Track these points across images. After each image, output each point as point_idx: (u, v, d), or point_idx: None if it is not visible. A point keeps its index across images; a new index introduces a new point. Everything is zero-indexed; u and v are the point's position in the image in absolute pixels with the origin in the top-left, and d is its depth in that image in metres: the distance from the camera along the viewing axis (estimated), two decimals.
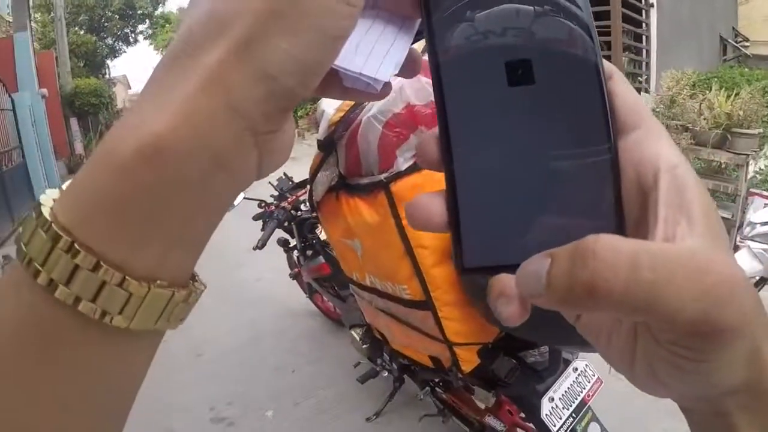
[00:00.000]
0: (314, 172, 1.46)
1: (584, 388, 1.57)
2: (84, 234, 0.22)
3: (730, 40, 10.09)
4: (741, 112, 6.48)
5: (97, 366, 0.24)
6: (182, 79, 0.22)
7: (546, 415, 1.47)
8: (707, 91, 7.35)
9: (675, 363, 0.20)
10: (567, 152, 0.24)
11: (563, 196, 0.23)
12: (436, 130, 0.25)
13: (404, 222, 1.23)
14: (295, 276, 3.10)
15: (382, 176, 1.24)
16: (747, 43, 10.18)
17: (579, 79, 0.24)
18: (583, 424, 1.55)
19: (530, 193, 0.24)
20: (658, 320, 0.19)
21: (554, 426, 1.47)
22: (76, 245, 0.21)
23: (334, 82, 0.29)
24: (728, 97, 6.92)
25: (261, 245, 2.35)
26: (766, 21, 9.75)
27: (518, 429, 1.86)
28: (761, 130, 6.59)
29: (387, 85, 0.29)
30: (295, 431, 2.40)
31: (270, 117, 0.24)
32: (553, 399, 1.49)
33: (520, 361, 1.43)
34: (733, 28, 10.39)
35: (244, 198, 2.51)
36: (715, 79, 7.57)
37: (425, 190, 0.83)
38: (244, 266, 4.29)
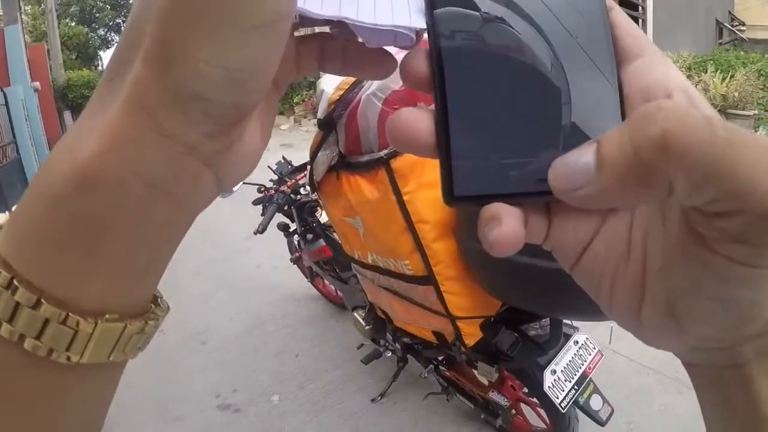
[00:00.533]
0: (314, 152, 1.47)
1: (585, 361, 1.59)
2: (24, 268, 0.20)
3: (726, 24, 10.10)
4: (736, 94, 6.51)
5: (52, 400, 0.22)
6: (112, 98, 0.20)
7: (548, 387, 1.49)
8: (703, 74, 7.38)
9: (725, 273, 0.18)
10: (568, 78, 0.22)
11: (563, 123, 0.22)
12: (425, 47, 0.23)
13: (405, 198, 1.25)
14: (296, 260, 3.11)
15: (382, 153, 1.25)
16: (743, 27, 10.19)
17: (580, 5, 0.23)
18: (585, 395, 1.56)
19: (529, 119, 0.22)
20: (732, 194, 0.16)
21: (557, 398, 1.49)
22: (15, 281, 0.20)
23: (334, 56, 0.26)
24: (723, 79, 6.95)
25: (261, 229, 2.36)
26: (763, 5, 9.75)
27: (521, 404, 1.89)
28: (756, 112, 6.62)
29: (419, 35, 0.25)
30: (302, 415, 2.42)
31: (213, 136, 0.21)
32: (555, 372, 1.51)
33: (522, 334, 1.44)
34: (730, 12, 10.40)
35: (243, 183, 2.52)
36: (711, 62, 7.59)
37: (426, 167, 1.04)
38: (243, 253, 4.30)
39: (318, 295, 3.38)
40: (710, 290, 0.19)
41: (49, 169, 0.20)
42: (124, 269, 0.22)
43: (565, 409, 1.50)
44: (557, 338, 1.46)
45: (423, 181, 1.22)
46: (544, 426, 1.87)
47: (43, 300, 0.20)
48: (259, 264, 4.10)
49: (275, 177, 2.68)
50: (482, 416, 2.03)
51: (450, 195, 0.22)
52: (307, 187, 2.55)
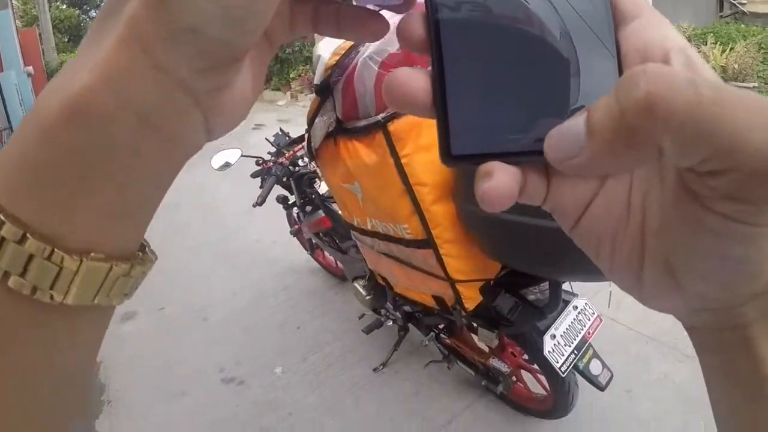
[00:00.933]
0: (312, 118, 1.47)
1: (584, 326, 1.60)
2: (11, 203, 0.20)
3: None
4: (736, 66, 6.47)
5: (36, 343, 0.22)
6: (105, 35, 0.20)
7: (549, 351, 1.50)
8: (702, 45, 7.32)
9: (719, 230, 0.18)
10: (564, 42, 0.22)
11: (561, 84, 0.22)
12: (422, 8, 0.23)
13: (403, 161, 1.25)
14: (296, 233, 3.10)
15: (380, 116, 1.25)
16: (744, 1, 10.06)
17: None
18: (584, 360, 1.58)
19: (525, 81, 0.22)
20: (722, 152, 0.16)
21: (557, 362, 1.50)
22: (1, 216, 0.19)
23: (328, 17, 0.26)
24: (723, 51, 6.89)
25: (260, 201, 2.36)
26: None
27: (522, 370, 1.91)
28: (756, 84, 6.58)
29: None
30: (304, 386, 2.45)
31: (204, 74, 0.21)
32: (554, 336, 1.52)
33: (521, 298, 1.45)
34: None
35: (242, 156, 2.51)
36: (711, 34, 7.52)
37: (423, 129, 1.07)
38: (242, 228, 4.31)
39: (318, 267, 3.39)
40: (706, 247, 0.19)
41: (41, 103, 0.20)
42: (113, 207, 0.22)
43: (565, 374, 1.52)
44: (556, 302, 1.47)
45: (420, 144, 1.22)
46: (544, 392, 1.89)
47: (28, 235, 0.20)
48: (259, 238, 4.11)
49: (273, 149, 2.67)
50: (483, 383, 2.05)
51: (447, 154, 0.22)
52: (306, 159, 2.55)
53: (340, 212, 2.35)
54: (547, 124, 0.20)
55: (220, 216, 4.68)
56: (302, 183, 2.57)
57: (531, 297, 1.51)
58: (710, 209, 0.18)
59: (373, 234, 1.55)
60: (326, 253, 2.85)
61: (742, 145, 0.15)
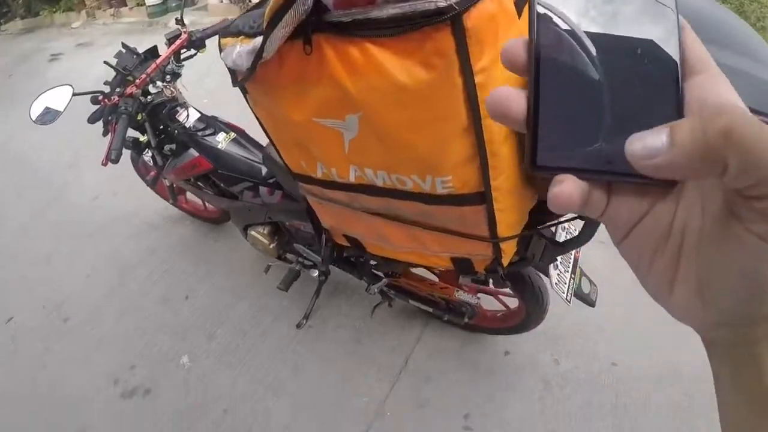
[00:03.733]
0: (275, 14, 0.81)
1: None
2: None
3: None
4: None
5: None
6: None
7: (555, 284, 1.37)
8: None
9: (754, 250, 0.23)
10: (640, 78, 0.26)
11: (632, 116, 0.25)
12: (525, 36, 0.27)
13: (477, 79, 0.76)
14: (153, 182, 2.39)
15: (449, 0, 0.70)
16: None
17: (658, 24, 0.27)
18: (577, 281, 1.46)
19: (604, 109, 0.26)
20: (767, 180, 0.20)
21: (563, 293, 1.37)
22: None
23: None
24: None
25: (116, 156, 1.64)
26: None
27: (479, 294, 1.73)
28: None
29: None
30: (225, 370, 2.07)
31: None
32: (557, 266, 1.40)
33: (549, 239, 1.25)
34: None
35: (74, 95, 1.74)
36: None
37: (501, 24, 0.72)
38: (70, 185, 3.47)
39: (181, 215, 2.80)
40: (739, 265, 0.24)
41: None
42: None
43: (570, 303, 1.40)
44: (589, 236, 1.19)
45: (499, 50, 0.70)
46: (503, 308, 1.82)
47: None
48: (96, 194, 3.31)
49: (111, 80, 1.87)
50: (446, 318, 1.88)
51: (532, 162, 0.26)
52: (159, 84, 1.84)
53: (241, 152, 1.86)
54: (617, 149, 0.24)
55: (39, 177, 3.69)
56: (159, 117, 1.89)
57: (560, 237, 1.37)
58: (749, 229, 0.23)
59: (356, 188, 1.07)
60: (204, 199, 2.23)
61: None
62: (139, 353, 2.22)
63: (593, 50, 0.26)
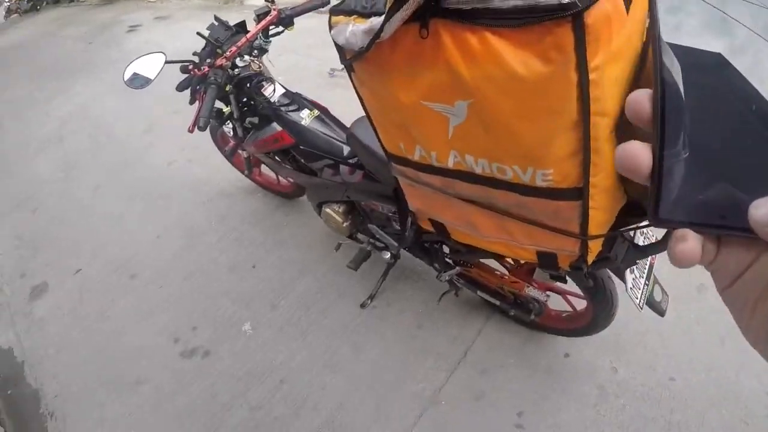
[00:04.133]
0: None
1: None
2: None
3: None
4: None
5: None
6: None
7: (630, 288, 1.32)
8: None
9: None
10: (758, 139, 0.26)
11: (752, 175, 0.26)
12: (649, 90, 0.28)
13: (592, 77, 0.77)
14: (231, 153, 2.46)
15: None
16: None
17: None
18: (650, 288, 1.39)
19: (725, 166, 0.27)
20: None
21: (637, 298, 1.32)
22: None
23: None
24: None
25: (204, 124, 1.67)
26: None
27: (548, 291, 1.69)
28: None
29: None
30: (286, 341, 2.08)
31: None
32: (633, 270, 1.33)
33: (630, 242, 1.23)
34: None
35: (167, 62, 1.81)
36: None
37: (614, 23, 0.71)
38: (146, 150, 3.57)
39: (253, 187, 2.85)
40: None
41: None
42: None
43: (642, 309, 1.34)
44: (666, 244, 1.15)
45: (612, 50, 0.73)
46: (570, 309, 1.78)
47: None
48: (170, 160, 3.39)
49: (200, 51, 1.93)
50: (512, 313, 1.82)
51: (655, 215, 0.28)
52: (246, 58, 1.87)
53: (324, 129, 1.86)
54: (734, 205, 0.25)
55: (115, 141, 3.83)
56: (245, 90, 1.92)
57: (641, 241, 1.32)
58: None
59: (454, 173, 1.08)
60: (282, 174, 2.27)
61: None
62: (202, 316, 2.27)
63: (716, 104, 0.27)
